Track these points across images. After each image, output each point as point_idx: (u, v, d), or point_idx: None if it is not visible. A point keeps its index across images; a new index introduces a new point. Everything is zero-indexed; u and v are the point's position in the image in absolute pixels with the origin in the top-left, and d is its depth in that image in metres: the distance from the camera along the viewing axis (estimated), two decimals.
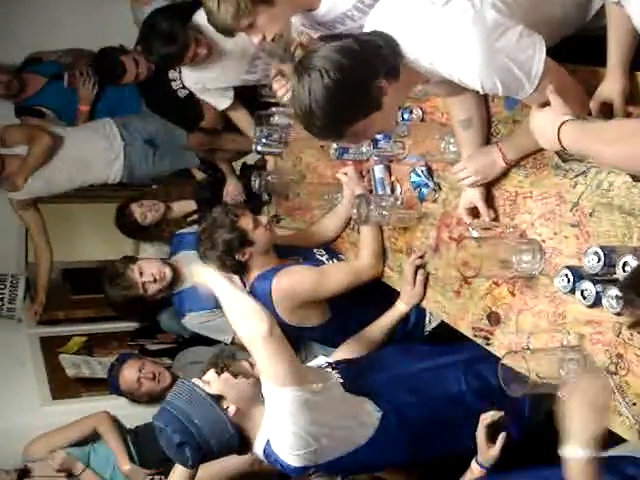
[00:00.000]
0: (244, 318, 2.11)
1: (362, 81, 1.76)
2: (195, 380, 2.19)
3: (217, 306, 2.61)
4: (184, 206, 4.17)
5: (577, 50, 1.95)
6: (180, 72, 3.73)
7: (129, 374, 3.39)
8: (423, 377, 2.42)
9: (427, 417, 2.32)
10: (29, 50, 4.45)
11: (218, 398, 2.13)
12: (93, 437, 3.47)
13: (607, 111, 1.81)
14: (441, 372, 2.44)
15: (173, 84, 3.91)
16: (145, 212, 3.96)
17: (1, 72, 4.22)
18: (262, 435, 2.16)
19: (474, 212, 2.26)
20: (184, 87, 3.82)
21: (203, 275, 2.28)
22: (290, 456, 2.11)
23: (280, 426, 2.09)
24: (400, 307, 2.62)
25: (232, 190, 4.02)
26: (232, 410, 2.12)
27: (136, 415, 3.51)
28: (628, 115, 1.79)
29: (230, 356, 2.54)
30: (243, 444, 2.17)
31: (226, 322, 2.28)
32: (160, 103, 4.14)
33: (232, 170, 4.21)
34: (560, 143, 1.62)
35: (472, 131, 2.18)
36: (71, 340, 4.41)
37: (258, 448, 2.18)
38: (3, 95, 4.26)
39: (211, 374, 2.18)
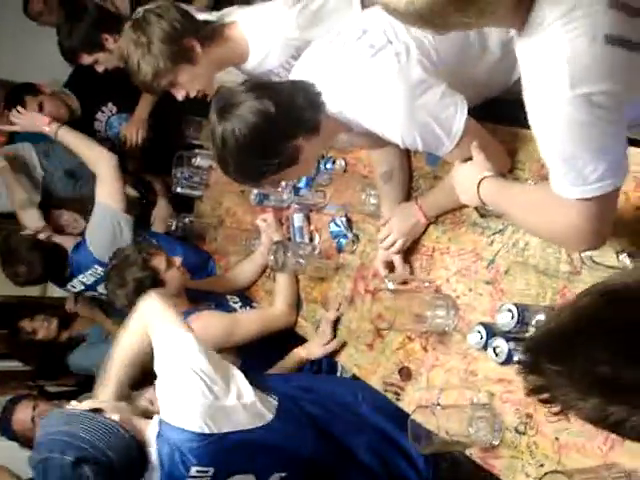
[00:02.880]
0: None
1: (276, 144, 1.79)
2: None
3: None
4: None
5: (498, 111, 1.99)
6: (106, 124, 3.73)
7: (23, 415, 3.21)
8: (319, 383, 2.40)
9: (322, 412, 2.20)
10: None
11: (96, 410, 1.89)
12: None
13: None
14: (338, 385, 2.44)
15: (97, 135, 3.83)
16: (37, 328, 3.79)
17: None
18: (153, 423, 1.93)
19: (390, 265, 2.25)
20: (108, 139, 3.76)
21: None
22: (188, 415, 1.85)
23: (177, 371, 1.89)
24: (301, 353, 2.55)
25: (161, 213, 3.89)
26: (116, 417, 1.88)
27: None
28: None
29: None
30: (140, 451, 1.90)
31: None
32: None
33: (165, 191, 4.06)
34: (479, 198, 1.62)
35: (393, 184, 2.20)
36: None
37: (151, 438, 1.90)
38: None
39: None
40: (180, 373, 1.89)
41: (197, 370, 1.87)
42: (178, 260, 2.72)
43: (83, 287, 3.24)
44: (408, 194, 2.24)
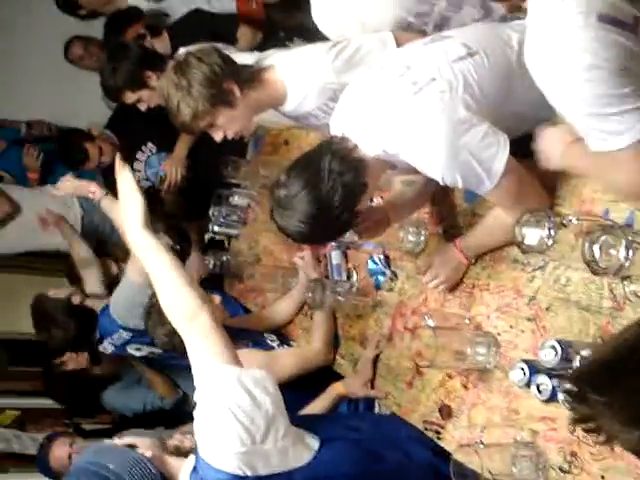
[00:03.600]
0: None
1: (337, 228, 1.91)
2: None
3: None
4: None
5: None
6: (145, 163, 3.76)
7: (59, 451, 3.22)
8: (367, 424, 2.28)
9: (370, 452, 2.08)
10: None
11: (131, 446, 1.91)
12: None
13: None
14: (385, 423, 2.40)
15: (137, 174, 3.91)
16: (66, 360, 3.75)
17: None
18: (189, 459, 1.89)
19: None
20: (147, 179, 3.84)
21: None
22: (223, 457, 1.77)
23: (215, 409, 1.78)
24: (338, 388, 2.53)
25: (194, 264, 3.93)
26: (149, 454, 1.89)
27: None
28: None
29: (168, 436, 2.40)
30: None
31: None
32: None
33: (199, 242, 4.11)
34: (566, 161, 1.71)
35: (410, 189, 2.23)
36: (3, 413, 4.22)
37: (185, 473, 1.87)
38: None
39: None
40: (218, 412, 1.79)
41: (235, 410, 1.76)
42: (217, 298, 2.74)
43: (114, 348, 3.25)
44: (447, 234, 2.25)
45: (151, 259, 1.82)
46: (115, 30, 3.80)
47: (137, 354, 3.24)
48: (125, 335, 3.14)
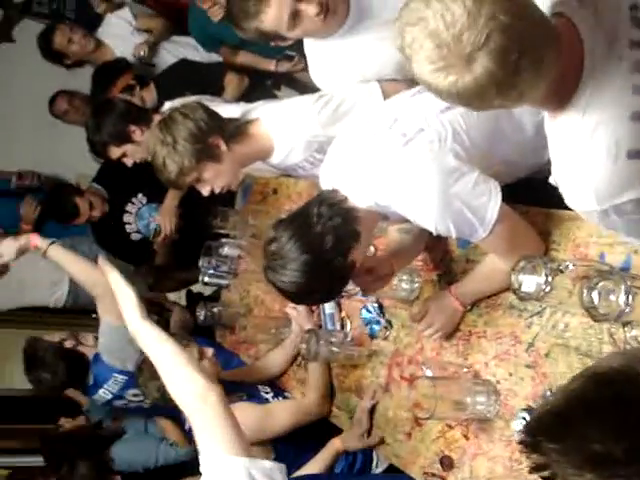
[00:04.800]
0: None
1: (332, 282, 1.87)
2: None
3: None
4: None
5: (530, 191, 1.98)
6: (136, 215, 3.79)
7: None
8: None
9: None
10: None
11: None
12: None
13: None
14: None
15: (127, 227, 3.90)
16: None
17: None
18: None
19: None
20: (138, 231, 3.83)
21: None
22: None
23: None
24: (336, 444, 2.47)
25: (180, 318, 3.90)
26: None
27: None
28: None
29: None
30: None
31: None
32: (111, 243, 4.01)
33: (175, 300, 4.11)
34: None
35: (407, 237, 2.20)
36: None
37: None
38: None
39: None
40: None
41: None
42: (210, 351, 2.69)
43: (111, 396, 3.19)
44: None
45: (156, 348, 1.79)
46: (104, 81, 3.81)
47: (135, 400, 3.18)
48: (120, 379, 3.09)
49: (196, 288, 4.17)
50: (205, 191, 2.36)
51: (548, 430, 1.11)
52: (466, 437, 2.08)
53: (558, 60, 1.24)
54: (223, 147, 2.29)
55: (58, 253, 2.98)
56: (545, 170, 1.92)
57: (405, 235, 2.19)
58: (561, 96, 1.31)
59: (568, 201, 1.44)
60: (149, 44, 4.09)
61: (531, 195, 1.98)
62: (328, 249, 1.78)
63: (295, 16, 2.16)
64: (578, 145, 1.34)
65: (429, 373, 2.13)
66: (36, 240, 2.96)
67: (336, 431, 2.60)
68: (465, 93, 1.19)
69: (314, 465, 2.47)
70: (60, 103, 4.48)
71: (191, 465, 3.39)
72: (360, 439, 2.44)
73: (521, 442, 1.15)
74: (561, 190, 1.46)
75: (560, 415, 1.11)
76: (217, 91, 3.76)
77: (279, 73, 3.84)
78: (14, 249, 2.96)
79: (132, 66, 3.91)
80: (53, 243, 2.97)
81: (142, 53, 4.03)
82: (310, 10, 2.15)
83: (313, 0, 2.16)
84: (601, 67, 1.28)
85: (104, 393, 3.19)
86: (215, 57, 4.07)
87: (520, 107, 1.45)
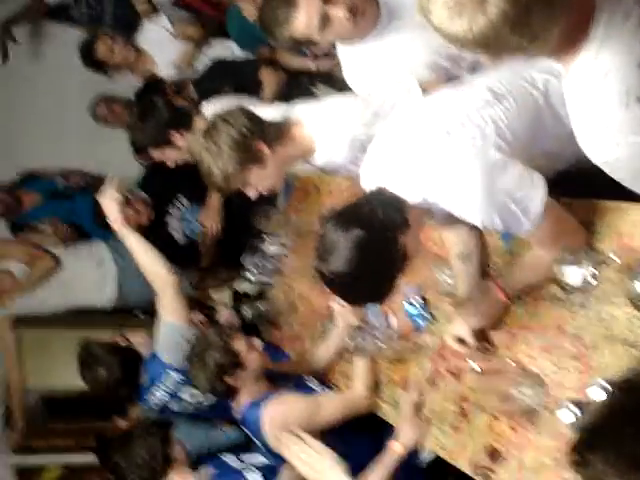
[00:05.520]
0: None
1: (384, 258, 1.80)
2: None
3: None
4: None
5: (572, 183, 1.99)
6: (181, 219, 3.88)
7: None
8: None
9: None
10: (25, 166, 4.62)
11: None
12: None
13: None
14: None
15: (172, 230, 3.99)
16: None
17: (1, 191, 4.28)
18: None
19: (462, 340, 2.21)
20: (183, 234, 3.93)
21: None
22: None
23: None
24: (396, 448, 2.39)
25: (226, 316, 3.96)
26: None
27: None
28: None
29: None
30: None
31: None
32: (158, 247, 4.05)
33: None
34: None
35: (469, 263, 2.19)
36: (45, 470, 4.22)
37: None
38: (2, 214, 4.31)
39: None
40: None
41: None
42: (258, 343, 2.74)
43: (167, 396, 3.19)
44: (484, 271, 2.23)
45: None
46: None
47: (190, 400, 3.23)
48: (175, 376, 3.14)
49: (241, 287, 4.23)
50: (252, 194, 2.39)
51: (590, 444, 1.19)
52: (513, 429, 2.09)
53: (569, 5, 1.32)
54: (266, 151, 2.32)
55: (132, 239, 3.10)
56: (583, 162, 1.95)
57: (467, 262, 2.21)
58: (573, 44, 1.40)
59: (589, 154, 1.54)
60: (191, 56, 4.16)
61: (572, 186, 1.98)
62: (377, 228, 1.77)
63: (325, 20, 2.20)
64: (591, 90, 1.43)
65: (475, 366, 2.15)
66: (121, 221, 3.07)
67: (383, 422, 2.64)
68: (481, 35, 1.27)
69: (377, 473, 2.36)
70: (101, 109, 4.58)
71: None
72: (414, 430, 2.41)
73: (570, 462, 1.23)
74: (581, 144, 1.55)
75: (597, 427, 1.20)
76: (254, 86, 3.81)
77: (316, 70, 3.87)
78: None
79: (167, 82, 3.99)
80: (132, 232, 3.10)
81: (184, 67, 4.11)
82: (339, 13, 2.19)
83: (342, 3, 2.19)
84: (611, 17, 1.37)
85: (160, 393, 3.24)
86: (249, 57, 4.13)
87: (539, 55, 1.50)
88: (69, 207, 4.40)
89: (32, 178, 4.53)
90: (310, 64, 3.81)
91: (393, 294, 1.89)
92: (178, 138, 3.24)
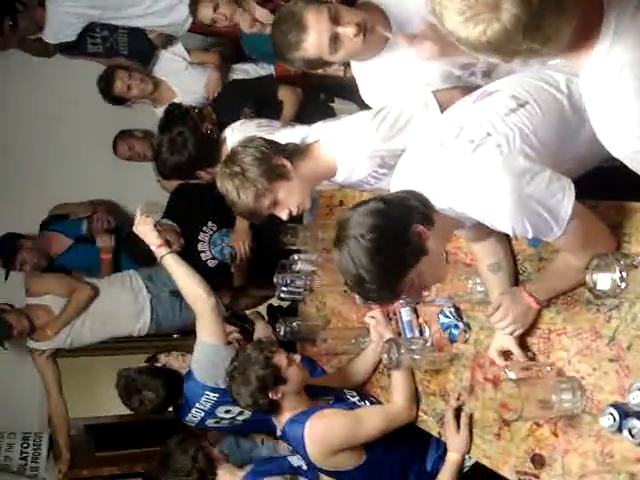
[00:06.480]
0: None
1: (399, 234, 1.78)
2: None
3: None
4: None
5: (598, 183, 1.99)
6: (209, 243, 3.94)
7: None
8: None
9: None
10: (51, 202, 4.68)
11: None
12: None
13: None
14: None
15: (202, 255, 4.02)
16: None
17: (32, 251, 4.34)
18: None
19: (506, 354, 2.23)
20: (213, 258, 3.96)
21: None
22: None
23: None
24: (452, 457, 2.47)
25: (263, 333, 3.99)
26: None
27: None
28: None
29: None
30: None
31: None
32: None
33: (258, 314, 4.19)
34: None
35: (501, 274, 2.20)
36: None
37: None
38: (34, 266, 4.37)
39: None
40: None
41: None
42: (298, 357, 2.77)
43: (203, 414, 3.26)
44: (516, 279, 2.24)
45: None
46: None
47: (226, 417, 3.28)
48: (212, 396, 3.19)
49: (274, 305, 4.27)
50: (284, 215, 2.42)
51: None
52: (555, 434, 2.10)
53: (579, 4, 1.32)
54: (288, 165, 2.35)
55: (173, 263, 3.16)
56: (610, 162, 1.95)
57: (497, 271, 2.21)
58: (585, 41, 1.40)
59: (610, 149, 1.53)
60: (216, 82, 4.20)
61: (598, 187, 1.99)
62: (394, 207, 1.79)
63: (335, 40, 2.22)
64: (607, 85, 1.44)
65: (512, 375, 2.16)
66: (159, 244, 3.17)
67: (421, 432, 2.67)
68: (495, 40, 1.27)
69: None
70: (122, 148, 4.62)
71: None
72: (458, 439, 2.46)
73: None
74: (601, 139, 1.54)
75: None
76: (272, 104, 3.84)
77: (332, 85, 3.89)
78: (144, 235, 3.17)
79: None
80: (171, 252, 3.17)
81: (211, 94, 4.15)
82: (348, 32, 2.22)
83: (350, 21, 2.22)
84: (621, 12, 1.38)
85: (197, 412, 3.29)
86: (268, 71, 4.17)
87: (553, 58, 1.51)
88: (96, 250, 4.46)
89: (61, 218, 4.60)
90: (339, 72, 3.82)
91: (403, 294, 1.88)
92: (202, 175, 3.29)
